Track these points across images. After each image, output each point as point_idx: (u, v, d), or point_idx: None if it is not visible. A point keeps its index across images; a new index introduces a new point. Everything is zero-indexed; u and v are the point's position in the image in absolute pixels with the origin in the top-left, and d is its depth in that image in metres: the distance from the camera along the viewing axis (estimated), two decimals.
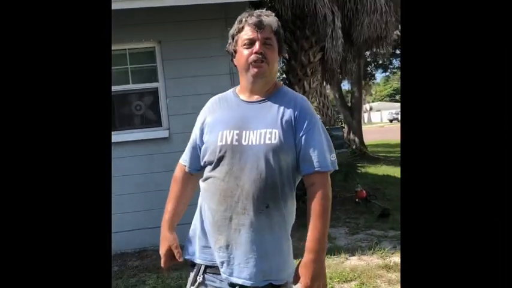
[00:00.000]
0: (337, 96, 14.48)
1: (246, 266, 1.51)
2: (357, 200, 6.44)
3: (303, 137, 1.53)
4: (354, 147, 12.68)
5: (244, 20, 1.57)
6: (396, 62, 19.20)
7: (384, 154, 13.78)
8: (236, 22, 1.61)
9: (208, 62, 4.68)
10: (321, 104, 12.89)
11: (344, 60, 7.77)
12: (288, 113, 1.55)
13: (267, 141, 1.50)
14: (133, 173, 4.57)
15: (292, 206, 1.58)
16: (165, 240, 1.70)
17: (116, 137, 4.47)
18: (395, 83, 55.15)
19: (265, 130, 1.51)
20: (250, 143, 1.51)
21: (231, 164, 1.52)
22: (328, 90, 15.46)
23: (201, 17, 4.69)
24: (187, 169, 1.71)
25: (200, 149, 1.64)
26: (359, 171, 7.91)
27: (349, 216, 5.72)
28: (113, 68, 4.77)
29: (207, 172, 1.59)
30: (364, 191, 6.48)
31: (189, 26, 4.69)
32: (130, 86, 4.74)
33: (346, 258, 4.06)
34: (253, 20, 1.55)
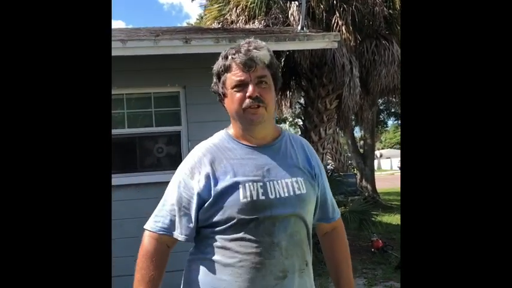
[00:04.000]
0: (349, 142, 14.52)
1: None
2: (373, 249, 6.33)
3: (322, 184, 1.47)
4: (366, 194, 12.57)
5: (230, 57, 1.32)
6: None
7: (397, 203, 13.61)
8: (220, 57, 1.36)
9: None
10: (334, 150, 12.92)
11: (360, 108, 7.87)
12: (303, 158, 1.43)
13: (297, 192, 1.34)
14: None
15: None
16: None
17: (137, 178, 4.56)
18: None
19: (290, 180, 1.35)
20: (278, 196, 1.31)
21: (262, 220, 1.29)
22: (341, 136, 15.53)
23: None
24: (181, 238, 1.34)
25: (205, 208, 1.32)
26: (373, 219, 7.80)
27: (366, 267, 5.61)
28: (138, 110, 4.89)
29: (226, 234, 1.30)
30: (380, 241, 6.39)
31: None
32: (154, 129, 4.83)
33: None
34: (241, 58, 1.29)
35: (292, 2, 6.42)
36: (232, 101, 1.33)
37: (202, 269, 1.33)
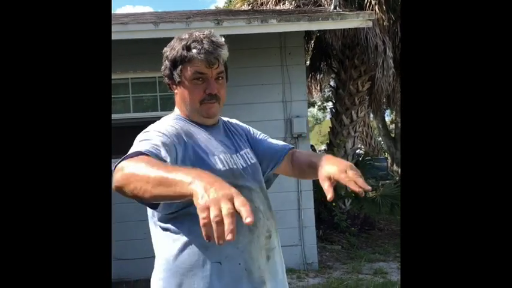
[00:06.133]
0: (380, 126, 14.26)
1: None
2: None
3: (262, 141, 1.57)
4: (397, 178, 12.38)
5: (195, 51, 1.32)
6: None
7: None
8: (179, 45, 1.35)
9: (261, 89, 4.73)
10: (365, 134, 12.74)
11: (393, 90, 7.67)
12: (240, 131, 1.55)
13: (252, 161, 1.47)
14: None
15: None
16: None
17: None
18: None
19: (243, 151, 1.48)
20: (241, 166, 1.41)
21: (241, 188, 1.28)
22: (371, 119, 15.30)
23: (256, 46, 4.77)
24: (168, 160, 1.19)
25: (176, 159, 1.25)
26: None
27: (399, 251, 5.54)
28: (167, 93, 4.91)
29: None
30: None
31: (244, 54, 4.78)
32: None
33: None
34: (207, 55, 1.32)
35: None
36: (190, 92, 1.38)
37: (193, 247, 1.29)
